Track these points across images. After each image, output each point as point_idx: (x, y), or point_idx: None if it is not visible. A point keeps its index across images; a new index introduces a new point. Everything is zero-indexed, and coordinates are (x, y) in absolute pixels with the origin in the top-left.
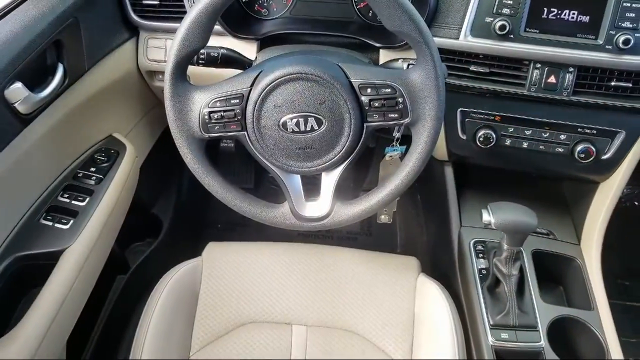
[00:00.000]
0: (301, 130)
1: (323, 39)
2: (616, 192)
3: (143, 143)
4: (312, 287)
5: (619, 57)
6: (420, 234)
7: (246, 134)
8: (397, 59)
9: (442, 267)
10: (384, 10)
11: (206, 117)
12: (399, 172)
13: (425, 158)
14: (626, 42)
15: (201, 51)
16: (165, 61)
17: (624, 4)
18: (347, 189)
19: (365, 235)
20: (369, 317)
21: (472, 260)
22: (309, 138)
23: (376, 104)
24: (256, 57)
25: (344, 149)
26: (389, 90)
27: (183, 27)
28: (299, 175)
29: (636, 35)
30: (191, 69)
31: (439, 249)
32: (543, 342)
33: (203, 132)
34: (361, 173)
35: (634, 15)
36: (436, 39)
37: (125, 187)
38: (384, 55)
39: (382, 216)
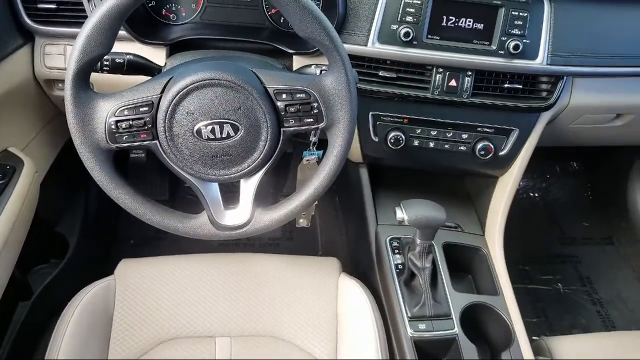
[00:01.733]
0: (217, 137)
1: (235, 44)
2: (513, 185)
3: (43, 157)
4: (234, 296)
5: (510, 61)
6: (340, 234)
7: (158, 143)
8: (310, 65)
9: (361, 265)
10: (295, 17)
11: (113, 126)
12: (317, 176)
13: (342, 161)
14: (516, 47)
15: (105, 57)
16: (65, 69)
17: (513, 13)
18: (267, 195)
19: (286, 240)
20: (293, 321)
21: (389, 257)
22: (226, 145)
23: (292, 110)
24: (165, 63)
25: (262, 155)
26: (304, 95)
27: (84, 32)
28: (216, 184)
29: (524, 41)
30: (95, 77)
31: (358, 248)
32: (457, 329)
33: (110, 142)
34: (280, 178)
35: (521, 23)
36: (346, 46)
37: (24, 205)
38: (297, 61)
39: (301, 220)
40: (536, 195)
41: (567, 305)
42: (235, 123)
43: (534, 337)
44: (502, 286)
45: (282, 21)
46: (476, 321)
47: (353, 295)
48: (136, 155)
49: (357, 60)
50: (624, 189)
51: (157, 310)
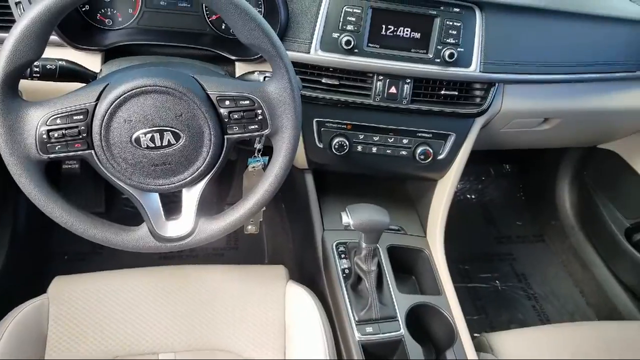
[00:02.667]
0: (157, 145)
1: (175, 50)
2: (452, 187)
3: None
4: (177, 310)
5: (446, 69)
6: (286, 241)
7: (93, 153)
8: (253, 72)
9: (309, 271)
10: (237, 23)
11: (44, 136)
12: (263, 183)
13: (287, 167)
14: (451, 55)
15: (35, 63)
16: None
17: (447, 23)
18: (211, 204)
19: (232, 250)
20: (240, 333)
21: (336, 262)
22: (166, 153)
23: (235, 116)
24: (101, 70)
25: (204, 163)
26: (248, 102)
27: (12, 37)
28: (156, 194)
29: (459, 49)
30: (25, 84)
31: (305, 254)
32: (402, 330)
33: (41, 153)
34: (225, 186)
35: (455, 32)
36: (289, 53)
37: None
38: (240, 68)
39: (249, 227)
40: (473, 196)
41: (505, 302)
42: (177, 131)
43: (475, 334)
44: (444, 286)
45: (223, 27)
46: (421, 321)
47: (301, 302)
48: (69, 166)
49: (301, 67)
50: (552, 189)
51: (95, 330)
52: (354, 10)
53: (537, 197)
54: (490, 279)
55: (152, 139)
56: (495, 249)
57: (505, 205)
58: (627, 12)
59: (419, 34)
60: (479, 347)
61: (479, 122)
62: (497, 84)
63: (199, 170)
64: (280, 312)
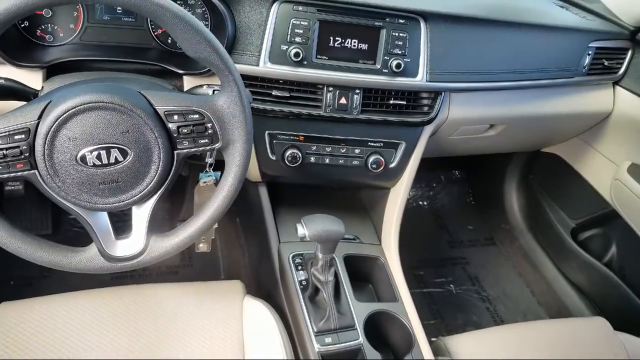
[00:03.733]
0: (104, 163)
1: (120, 66)
2: (404, 195)
3: None
4: (131, 332)
5: (394, 79)
6: (242, 256)
7: (37, 173)
8: (202, 85)
9: (266, 285)
10: (183, 38)
11: None
12: (215, 198)
13: (240, 181)
14: (398, 66)
15: None
16: None
17: (393, 34)
18: (163, 221)
19: (186, 267)
20: (197, 351)
21: (293, 274)
22: (114, 171)
23: (185, 131)
24: (42, 87)
25: (154, 180)
26: (197, 116)
27: None
28: (105, 213)
29: (405, 60)
30: None
31: (261, 268)
32: (361, 339)
33: None
34: (177, 203)
35: (401, 43)
36: (238, 66)
37: None
38: (188, 82)
39: (201, 245)
40: (425, 203)
41: (460, 305)
42: (124, 147)
43: (432, 339)
44: (400, 292)
45: (169, 41)
46: (379, 328)
47: (258, 316)
48: (12, 187)
49: (250, 80)
50: (500, 193)
51: (45, 357)
52: (302, 22)
53: (487, 202)
54: (444, 283)
55: (99, 157)
56: (449, 254)
57: (457, 210)
58: (562, 20)
59: (366, 45)
60: (437, 351)
61: (427, 130)
62: (443, 93)
63: (149, 187)
64: (238, 328)
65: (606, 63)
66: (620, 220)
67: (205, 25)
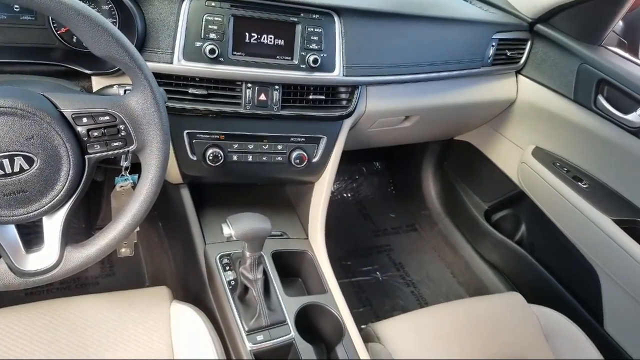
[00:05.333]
0: (7, 172)
1: (21, 68)
2: (328, 188)
3: None
4: (52, 350)
5: (311, 74)
6: (167, 261)
7: None
8: (112, 85)
9: (193, 288)
10: (88, 35)
11: None
12: (133, 202)
13: (158, 183)
14: (315, 61)
15: None
16: None
17: (308, 29)
18: (79, 230)
19: (107, 277)
20: None
21: (221, 275)
22: (20, 180)
23: (96, 134)
24: None
25: (65, 187)
26: (108, 118)
27: None
28: (13, 226)
29: (322, 55)
30: None
31: (188, 271)
32: (293, 333)
33: None
34: (94, 210)
35: (317, 38)
36: (150, 64)
37: None
38: (97, 82)
39: (122, 249)
40: (349, 195)
41: (386, 291)
42: (29, 155)
43: (362, 326)
44: (329, 284)
45: (75, 40)
46: (310, 321)
47: (187, 321)
48: None
49: (164, 79)
50: (419, 181)
51: None
52: (215, 18)
53: (406, 190)
54: (371, 271)
55: (1, 166)
56: (373, 242)
57: (379, 200)
58: (467, 13)
59: (283, 41)
60: (367, 337)
61: (347, 124)
62: (360, 87)
63: (59, 195)
64: (166, 335)
65: (509, 53)
66: (528, 200)
67: (113, 22)
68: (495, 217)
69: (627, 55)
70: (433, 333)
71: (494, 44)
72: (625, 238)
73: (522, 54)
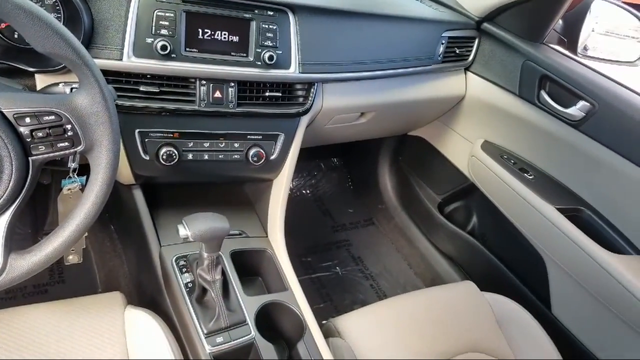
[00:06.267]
0: None
1: None
2: (287, 185)
3: None
4: None
5: (267, 71)
6: (120, 265)
7: None
8: (57, 84)
9: (149, 293)
10: (30, 32)
11: None
12: (82, 205)
13: (109, 185)
14: (270, 58)
15: None
16: None
17: (263, 26)
18: (25, 236)
19: (57, 284)
20: None
21: (177, 277)
22: None
23: (40, 134)
24: None
25: (7, 192)
26: (53, 117)
27: None
28: None
29: (277, 52)
30: None
31: (142, 275)
32: (253, 333)
33: None
34: (41, 214)
35: (272, 35)
36: (98, 61)
37: None
38: (41, 81)
39: (70, 257)
40: (308, 192)
41: (346, 286)
42: None
43: (323, 322)
44: (289, 281)
45: (16, 36)
46: (271, 320)
47: (142, 327)
48: None
49: (114, 76)
50: (375, 176)
51: None
52: (166, 14)
53: (364, 185)
54: (331, 266)
55: None
56: (333, 238)
57: (337, 195)
58: (418, 12)
59: (237, 38)
60: (327, 332)
61: (304, 121)
62: (316, 84)
63: (1, 199)
64: (120, 342)
65: (457, 51)
66: (478, 192)
67: (58, 18)
68: (448, 209)
69: (566, 52)
70: (392, 324)
71: (443, 41)
72: (568, 225)
73: (470, 51)
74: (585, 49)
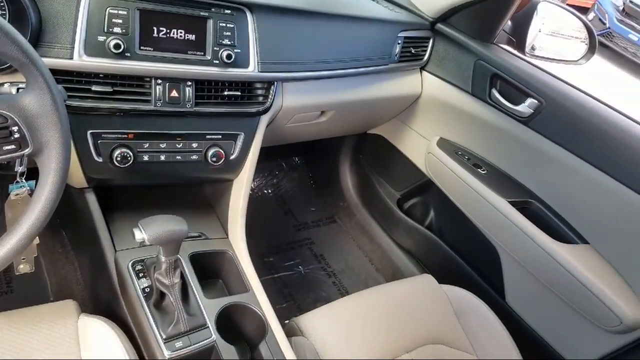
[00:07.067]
0: None
1: None
2: (247, 185)
3: None
4: None
5: (225, 70)
6: (73, 272)
7: None
8: (2, 84)
9: (104, 299)
10: None
11: None
12: (30, 211)
13: (59, 189)
14: (229, 56)
15: None
16: None
17: (220, 25)
18: None
19: (6, 295)
20: None
21: (134, 282)
22: None
23: None
24: None
25: None
26: None
27: None
28: None
29: (235, 50)
30: None
31: (97, 282)
32: (214, 336)
33: None
34: None
35: (230, 34)
36: (47, 60)
37: None
38: None
39: (21, 266)
40: (269, 191)
41: (309, 284)
42: None
43: (286, 321)
44: (250, 282)
45: None
46: (233, 322)
47: (97, 335)
48: None
49: (64, 75)
50: (337, 174)
51: None
52: (119, 12)
53: (325, 183)
54: (293, 265)
55: None
56: (295, 237)
57: (299, 194)
58: (375, 12)
59: (194, 36)
60: (290, 332)
61: (264, 120)
62: (276, 83)
63: None
64: (74, 351)
65: (413, 51)
66: (435, 188)
67: (2, 15)
68: (407, 205)
69: (515, 52)
70: (353, 320)
71: (399, 41)
72: (519, 217)
73: (425, 51)
74: (533, 48)
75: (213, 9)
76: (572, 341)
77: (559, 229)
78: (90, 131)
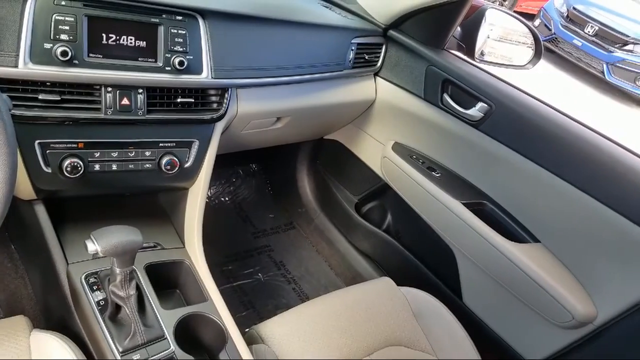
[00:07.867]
0: None
1: None
2: (203, 193)
3: None
4: None
5: (178, 77)
6: (24, 287)
7: None
8: None
9: (57, 314)
10: None
11: None
12: None
13: (6, 201)
14: (181, 63)
15: None
16: None
17: (172, 31)
18: None
19: None
20: None
21: (88, 296)
22: None
23: None
24: None
25: None
26: None
27: None
28: None
29: (188, 57)
30: None
31: (49, 296)
32: (172, 347)
33: None
34: None
35: (181, 40)
36: None
37: None
38: None
39: None
40: (227, 199)
41: (269, 291)
42: None
43: (246, 330)
44: (208, 291)
45: None
46: (192, 333)
47: (50, 351)
48: None
49: (9, 84)
50: (294, 180)
51: None
52: (66, 18)
53: (283, 189)
54: (253, 273)
55: None
56: (254, 244)
57: (257, 201)
58: (328, 19)
59: (145, 43)
60: (250, 340)
61: (219, 127)
62: (230, 89)
63: None
64: None
65: (367, 57)
66: (391, 191)
67: None
68: (365, 209)
69: (465, 57)
70: (313, 325)
71: (353, 48)
72: (473, 219)
73: (379, 57)
74: (482, 54)
75: (164, 15)
76: (528, 338)
77: (512, 229)
78: (38, 141)
